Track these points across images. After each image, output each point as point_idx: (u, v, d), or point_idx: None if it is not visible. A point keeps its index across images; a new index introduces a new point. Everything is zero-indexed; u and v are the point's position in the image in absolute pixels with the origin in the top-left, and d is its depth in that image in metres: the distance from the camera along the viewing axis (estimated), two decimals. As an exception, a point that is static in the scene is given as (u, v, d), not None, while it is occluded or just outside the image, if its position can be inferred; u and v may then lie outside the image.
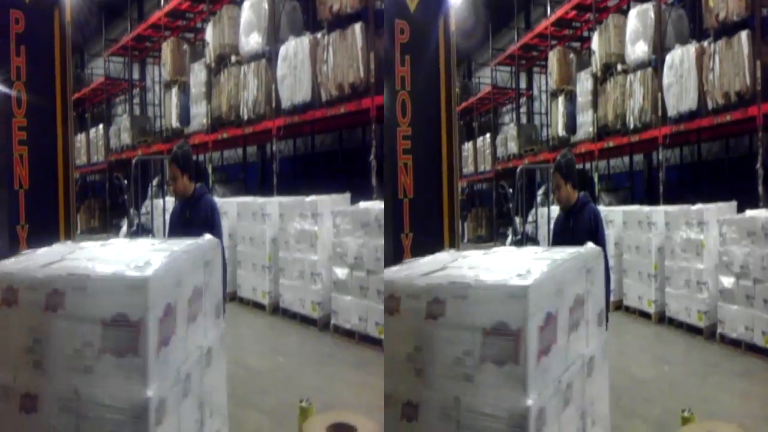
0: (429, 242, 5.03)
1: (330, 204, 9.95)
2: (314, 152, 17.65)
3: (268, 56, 15.21)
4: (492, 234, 21.69)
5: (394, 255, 5.00)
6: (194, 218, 5.16)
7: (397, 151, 5.04)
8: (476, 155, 23.57)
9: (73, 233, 5.71)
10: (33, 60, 5.52)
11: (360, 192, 10.93)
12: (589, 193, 5.38)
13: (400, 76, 5.09)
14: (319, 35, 13.97)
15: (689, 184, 15.94)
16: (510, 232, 15.15)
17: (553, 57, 19.29)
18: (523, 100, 24.06)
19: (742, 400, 6.85)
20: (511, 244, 13.70)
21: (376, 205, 9.24)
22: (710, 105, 13.16)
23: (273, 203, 11.10)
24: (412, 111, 5.13)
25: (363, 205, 9.75)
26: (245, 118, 15.76)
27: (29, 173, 5.41)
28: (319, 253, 9.77)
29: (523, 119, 23.59)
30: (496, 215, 21.65)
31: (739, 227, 8.64)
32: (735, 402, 6.77)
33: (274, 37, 15.19)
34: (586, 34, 19.54)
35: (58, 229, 5.60)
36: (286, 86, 14.48)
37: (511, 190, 15.11)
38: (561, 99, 18.91)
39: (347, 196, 10.49)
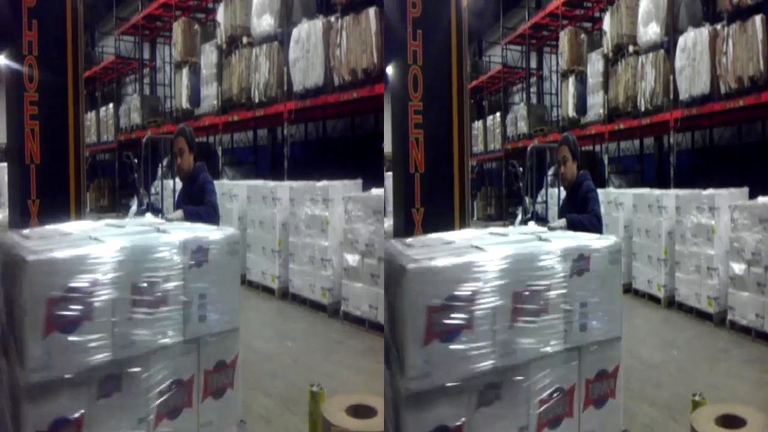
0: (440, 217, 5.09)
1: (341, 190, 9.93)
2: (326, 137, 17.57)
3: (281, 39, 15.11)
4: (502, 213, 21.75)
5: (404, 230, 5.06)
6: (192, 196, 5.25)
7: (408, 125, 5.11)
8: (486, 134, 23.60)
9: (84, 210, 5.73)
10: (44, 34, 5.52)
11: (371, 179, 10.86)
12: (599, 175, 5.40)
13: (412, 50, 5.14)
14: (332, 18, 13.85)
15: (700, 169, 15.81)
16: (520, 211, 15.10)
17: (564, 37, 19.09)
18: (533, 80, 23.90)
19: (752, 386, 6.86)
20: (520, 224, 13.66)
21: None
22: (723, 89, 13.01)
23: (284, 187, 11.09)
24: (423, 86, 5.17)
25: (375, 191, 9.73)
26: (256, 100, 15.71)
27: (40, 148, 5.42)
28: (329, 238, 9.78)
29: (533, 99, 23.47)
30: (506, 194, 21.65)
31: (751, 213, 8.60)
32: (745, 388, 6.77)
33: (287, 19, 15.12)
34: (597, 14, 19.35)
35: (69, 205, 5.61)
36: (298, 69, 14.39)
37: (521, 170, 15.07)
38: (571, 80, 18.75)
39: (359, 182, 10.46)
